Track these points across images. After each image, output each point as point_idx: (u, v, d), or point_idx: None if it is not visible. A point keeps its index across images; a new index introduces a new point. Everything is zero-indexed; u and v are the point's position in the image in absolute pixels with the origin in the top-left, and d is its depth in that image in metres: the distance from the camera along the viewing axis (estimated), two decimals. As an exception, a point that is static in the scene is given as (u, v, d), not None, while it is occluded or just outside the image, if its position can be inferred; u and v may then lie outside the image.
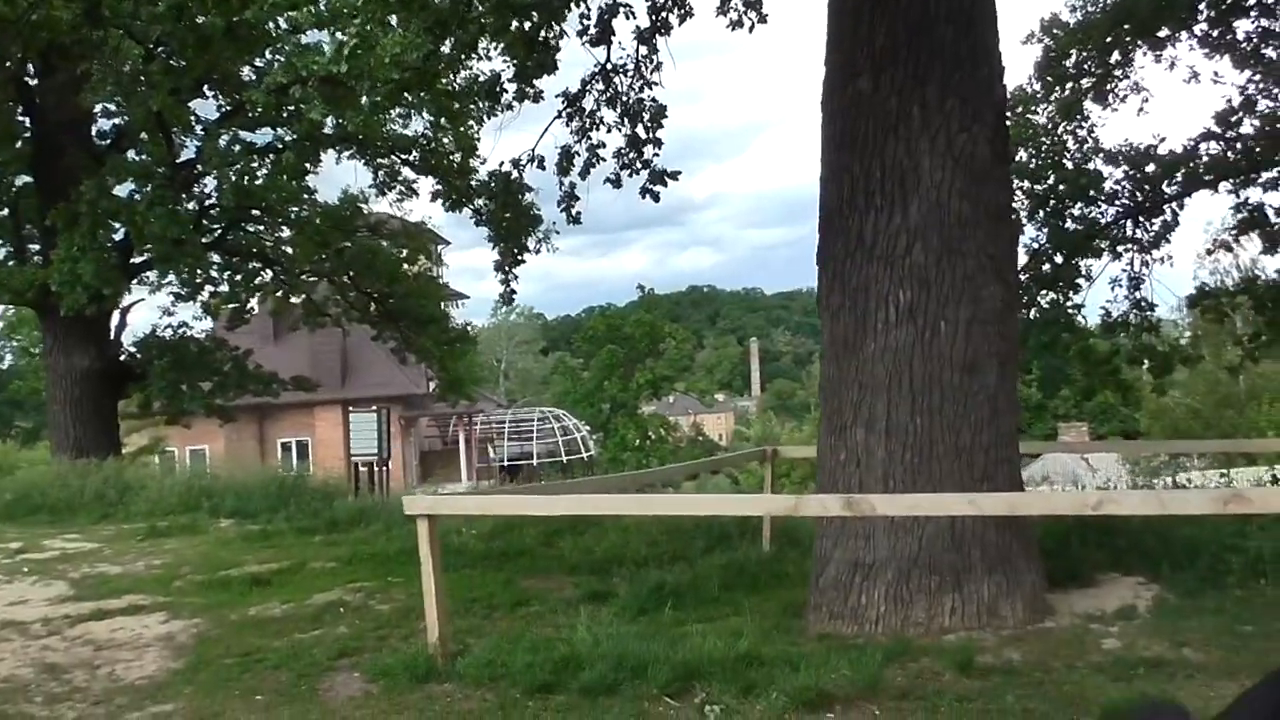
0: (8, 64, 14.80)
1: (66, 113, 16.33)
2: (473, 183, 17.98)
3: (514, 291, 15.95)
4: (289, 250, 20.77)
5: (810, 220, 7.22)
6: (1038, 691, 4.86)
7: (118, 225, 16.49)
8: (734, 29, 11.41)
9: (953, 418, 6.33)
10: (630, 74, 12.44)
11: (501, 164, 15.41)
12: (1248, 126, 13.82)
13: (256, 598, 8.00)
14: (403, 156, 19.37)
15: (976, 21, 6.66)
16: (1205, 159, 14.02)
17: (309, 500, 12.88)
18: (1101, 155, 14.76)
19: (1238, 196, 14.14)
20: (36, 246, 17.86)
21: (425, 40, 9.36)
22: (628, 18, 11.19)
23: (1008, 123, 7.73)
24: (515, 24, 10.27)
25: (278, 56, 16.24)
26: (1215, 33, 13.83)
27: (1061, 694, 4.80)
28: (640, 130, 12.23)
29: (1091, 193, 14.52)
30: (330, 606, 7.74)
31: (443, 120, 17.75)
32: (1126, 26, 14.26)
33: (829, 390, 6.87)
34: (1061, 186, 14.64)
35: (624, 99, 12.36)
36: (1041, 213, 14.96)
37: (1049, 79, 15.16)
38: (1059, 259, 14.56)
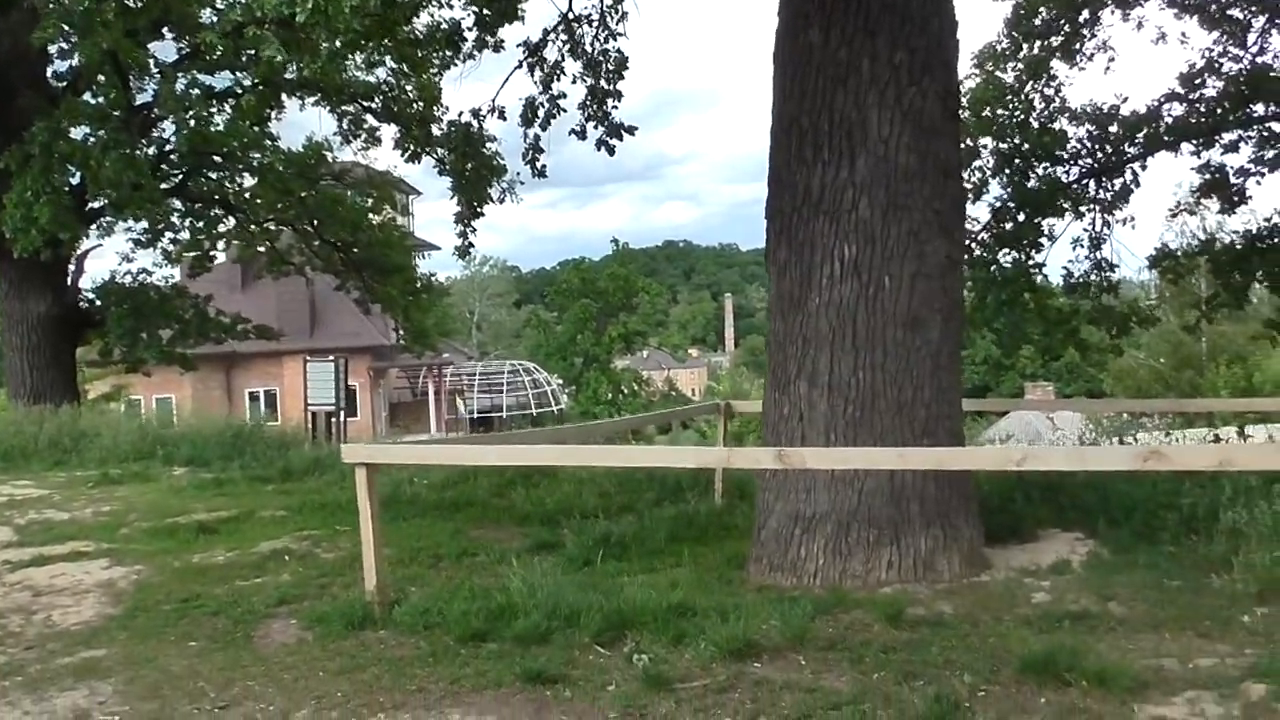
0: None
1: (20, 52, 15.93)
2: (435, 131, 17.74)
3: (471, 245, 15.84)
4: (251, 198, 20.52)
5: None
6: (962, 643, 4.91)
7: (73, 169, 16.17)
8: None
9: (895, 373, 6.35)
10: (595, 24, 12.29)
11: (461, 114, 15.23)
12: (1211, 89, 13.82)
13: (202, 545, 7.98)
14: (365, 104, 19.08)
15: (929, -26, 6.59)
16: (1169, 120, 14.02)
17: (264, 449, 12.85)
18: (1067, 115, 14.74)
19: (1199, 158, 14.21)
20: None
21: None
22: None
23: (963, 78, 7.70)
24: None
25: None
26: (1184, -8, 13.79)
27: (985, 646, 4.86)
28: (602, 82, 12.11)
29: (1056, 152, 14.51)
30: (275, 554, 7.72)
31: (404, 68, 17.46)
32: (1096, -16, 14.18)
33: (775, 345, 6.87)
34: (1026, 145, 14.62)
35: (587, 50, 12.22)
36: (1007, 171, 14.94)
37: (1017, 35, 15.07)
38: (1021, 217, 14.57)
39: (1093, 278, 14.85)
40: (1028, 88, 15.22)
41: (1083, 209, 14.66)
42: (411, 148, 17.00)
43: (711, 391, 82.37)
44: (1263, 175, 13.83)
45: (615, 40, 12.09)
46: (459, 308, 76.82)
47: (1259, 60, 13.74)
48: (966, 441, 7.93)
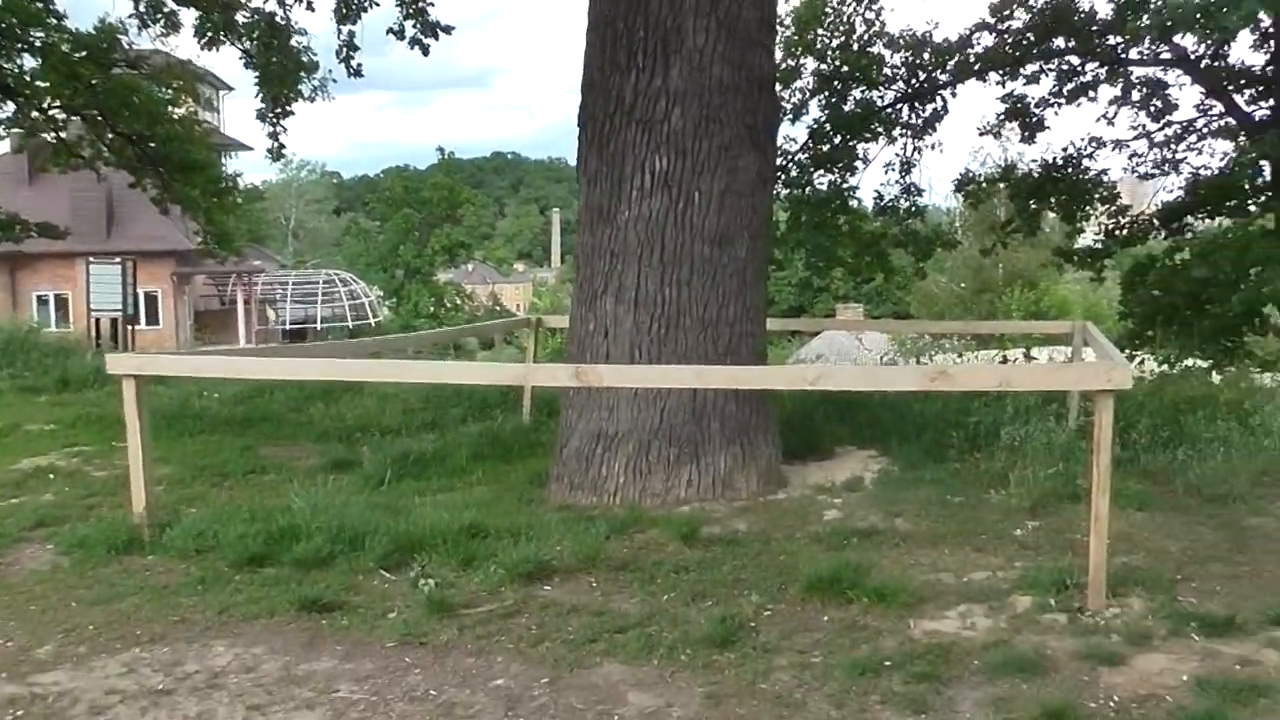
0: None
1: None
2: (239, 20, 16.42)
3: (283, 146, 14.92)
4: (32, 80, 18.59)
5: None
6: (754, 562, 4.94)
7: None
8: None
9: (701, 290, 6.27)
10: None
11: (265, 1, 14.17)
12: (1019, 20, 14.21)
13: (-48, 463, 7.27)
14: (162, -16, 17.43)
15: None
16: (979, 50, 14.37)
17: (40, 357, 11.86)
18: (884, 40, 14.90)
19: (1004, 88, 14.65)
20: None
21: None
22: None
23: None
24: None
25: None
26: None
27: (775, 564, 4.90)
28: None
29: (873, 76, 14.68)
30: (39, 472, 7.14)
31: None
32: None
33: (583, 259, 6.68)
34: (845, 68, 14.73)
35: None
36: (825, 93, 15.04)
37: (841, -45, 15.05)
38: (838, 140, 14.74)
39: (902, 202, 15.23)
40: (849, 10, 15.28)
41: (895, 134, 14.93)
42: (210, 34, 15.67)
43: (535, 308, 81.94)
44: (1060, 105, 14.40)
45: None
46: (274, 213, 73.17)
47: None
48: (774, 361, 8.01)
